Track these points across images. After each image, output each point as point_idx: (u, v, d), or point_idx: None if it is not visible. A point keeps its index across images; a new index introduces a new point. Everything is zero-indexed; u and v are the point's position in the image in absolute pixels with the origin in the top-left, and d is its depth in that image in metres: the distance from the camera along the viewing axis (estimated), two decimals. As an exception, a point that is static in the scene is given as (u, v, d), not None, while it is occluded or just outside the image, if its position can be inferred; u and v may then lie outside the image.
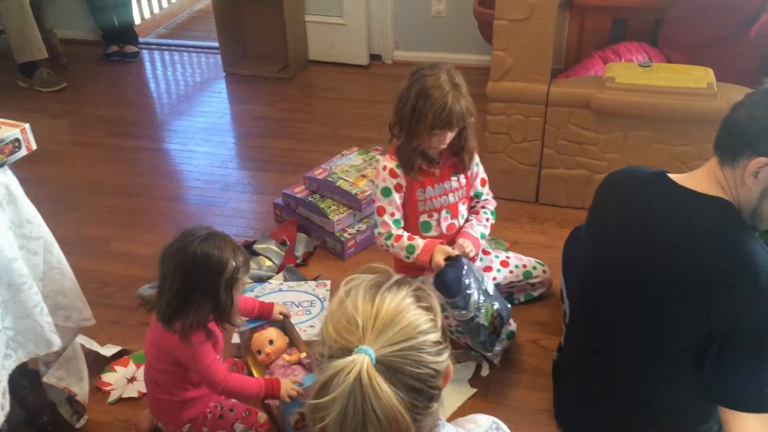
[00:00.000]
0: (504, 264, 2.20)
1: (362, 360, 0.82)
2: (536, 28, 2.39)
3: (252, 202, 2.83)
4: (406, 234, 1.96)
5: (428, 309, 0.92)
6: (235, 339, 2.05)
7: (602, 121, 2.48)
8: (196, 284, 1.51)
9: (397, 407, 0.82)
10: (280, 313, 1.94)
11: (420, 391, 0.86)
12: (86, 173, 3.10)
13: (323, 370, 0.85)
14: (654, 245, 1.40)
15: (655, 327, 1.40)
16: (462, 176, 2.02)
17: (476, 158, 2.03)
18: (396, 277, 0.96)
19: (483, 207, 2.09)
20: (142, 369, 2.05)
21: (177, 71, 4.24)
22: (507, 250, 2.39)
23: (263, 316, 1.93)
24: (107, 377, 2.05)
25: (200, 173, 3.07)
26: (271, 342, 1.90)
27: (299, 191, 2.59)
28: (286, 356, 1.87)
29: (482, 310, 1.86)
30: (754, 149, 1.29)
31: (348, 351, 0.85)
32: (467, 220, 2.06)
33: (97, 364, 2.06)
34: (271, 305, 1.93)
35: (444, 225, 2.04)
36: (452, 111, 1.79)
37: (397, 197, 1.96)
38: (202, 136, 3.39)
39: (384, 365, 0.84)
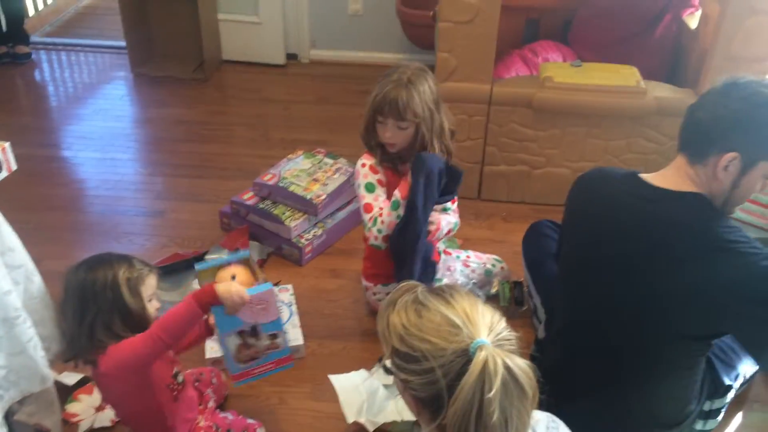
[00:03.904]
0: (465, 264, 2.26)
1: (491, 351, 0.88)
2: (480, 30, 2.47)
3: (193, 211, 2.71)
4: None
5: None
6: (211, 353, 1.98)
7: (541, 119, 2.60)
8: (96, 306, 1.46)
9: (531, 373, 0.91)
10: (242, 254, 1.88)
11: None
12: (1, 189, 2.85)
13: (448, 379, 0.89)
14: (633, 241, 1.48)
15: (643, 318, 1.49)
16: None
17: None
18: (445, 282, 1.03)
19: None
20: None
21: (76, 73, 3.95)
22: (459, 247, 2.47)
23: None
24: (72, 407, 1.91)
25: (129, 182, 2.90)
26: (233, 277, 1.77)
27: (248, 198, 2.53)
28: None
29: None
30: (722, 145, 1.41)
31: (464, 351, 0.90)
32: None
33: (60, 394, 1.91)
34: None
35: None
36: (388, 98, 1.85)
37: (381, 192, 1.97)
38: (122, 142, 3.20)
39: (499, 348, 0.91)
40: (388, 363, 1.01)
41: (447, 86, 2.58)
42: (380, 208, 1.95)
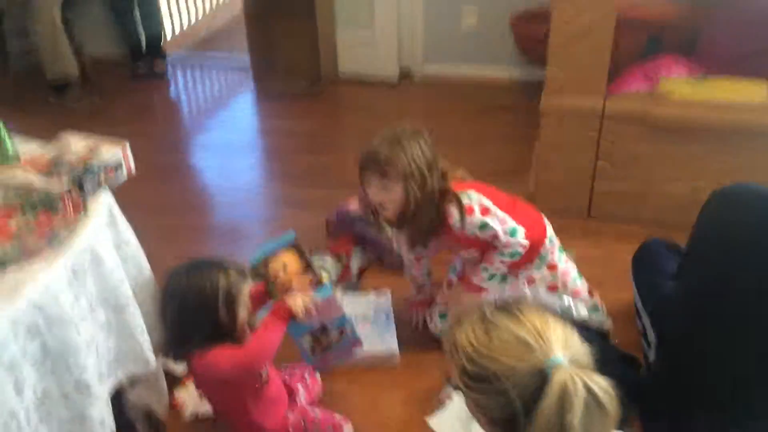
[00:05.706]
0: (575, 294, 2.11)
1: (569, 372, 0.85)
2: (593, 44, 2.41)
3: (303, 218, 2.80)
4: None
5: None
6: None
7: (657, 136, 2.49)
8: (194, 317, 1.51)
9: (612, 392, 0.87)
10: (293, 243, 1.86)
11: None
12: (134, 192, 3.09)
13: (523, 400, 0.86)
14: None
15: None
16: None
17: (472, 228, 1.84)
18: (508, 297, 1.00)
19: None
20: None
21: (206, 88, 4.26)
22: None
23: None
24: (180, 393, 2.02)
25: (247, 189, 3.08)
26: (284, 266, 1.78)
27: (353, 208, 2.59)
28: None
29: None
30: None
31: (539, 370, 0.87)
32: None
33: (170, 381, 2.04)
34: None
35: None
36: (369, 151, 1.79)
37: None
38: (242, 152, 3.41)
39: (576, 365, 0.87)
40: (458, 382, 0.98)
41: (557, 101, 2.54)
42: None
